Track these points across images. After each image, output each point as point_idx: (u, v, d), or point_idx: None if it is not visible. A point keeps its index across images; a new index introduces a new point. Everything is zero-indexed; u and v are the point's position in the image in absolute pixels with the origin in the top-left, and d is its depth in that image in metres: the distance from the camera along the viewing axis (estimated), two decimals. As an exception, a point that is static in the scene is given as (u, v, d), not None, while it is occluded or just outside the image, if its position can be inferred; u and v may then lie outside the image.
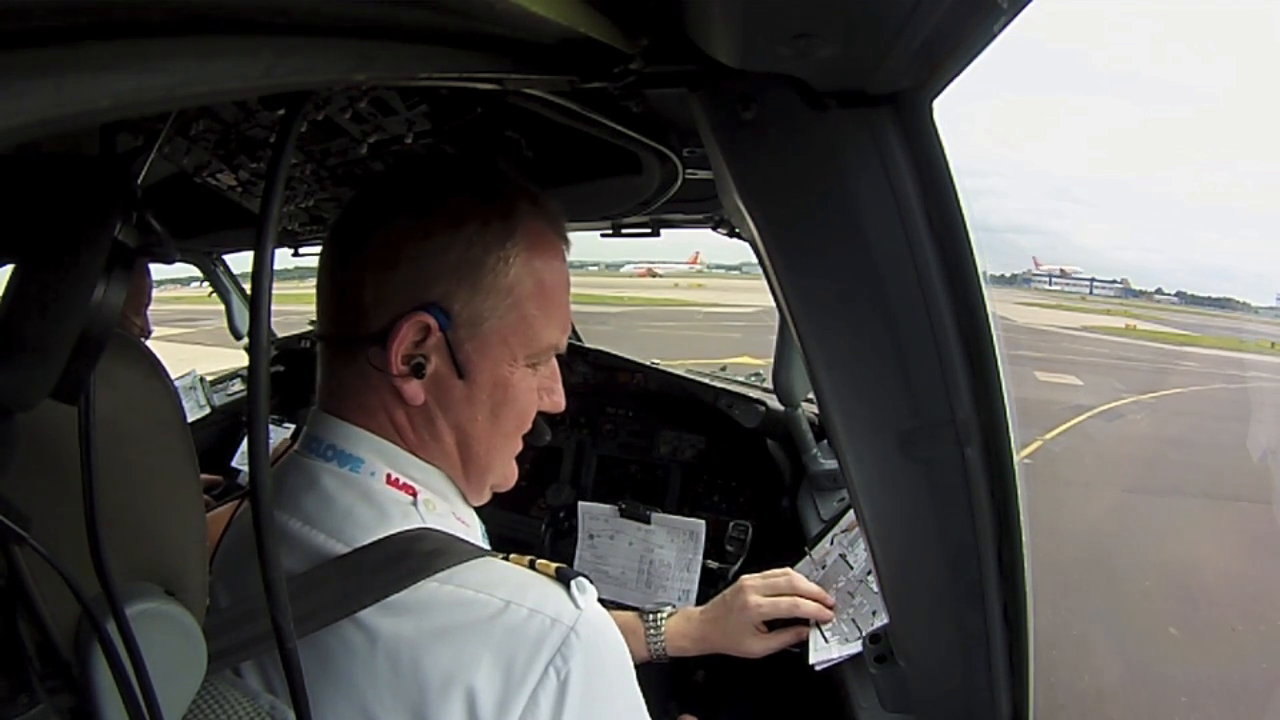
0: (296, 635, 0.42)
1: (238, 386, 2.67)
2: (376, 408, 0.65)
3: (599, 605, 0.61)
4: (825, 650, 1.10)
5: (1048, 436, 8.53)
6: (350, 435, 0.65)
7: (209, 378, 2.65)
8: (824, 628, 1.16)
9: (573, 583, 0.60)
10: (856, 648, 1.04)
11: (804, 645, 1.16)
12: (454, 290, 0.63)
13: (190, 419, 2.56)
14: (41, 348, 0.32)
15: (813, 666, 1.09)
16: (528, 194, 0.68)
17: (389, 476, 0.65)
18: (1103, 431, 9.39)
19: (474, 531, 0.70)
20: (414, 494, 0.65)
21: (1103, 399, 11.44)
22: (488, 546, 0.68)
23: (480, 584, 0.58)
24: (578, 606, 0.58)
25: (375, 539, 0.59)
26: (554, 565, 0.62)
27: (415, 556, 0.58)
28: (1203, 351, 22.67)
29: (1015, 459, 0.63)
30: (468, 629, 0.56)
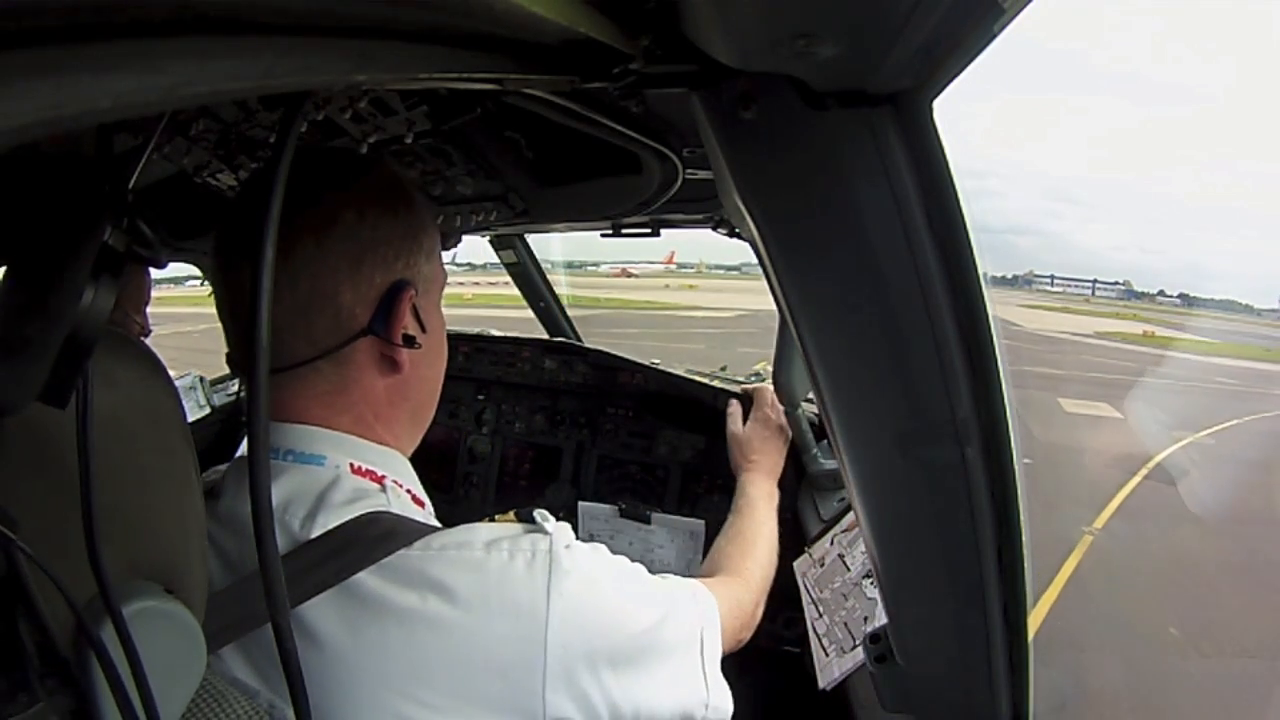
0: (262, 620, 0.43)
1: (237, 386, 2.67)
2: (343, 405, 0.68)
3: (563, 524, 0.66)
4: (829, 668, 1.10)
5: (1098, 525, 5.82)
6: (306, 436, 0.67)
7: (209, 377, 2.65)
8: (821, 635, 1.16)
9: (534, 514, 0.66)
10: (859, 656, 1.04)
11: (804, 646, 1.17)
12: (412, 260, 0.69)
13: (190, 419, 2.55)
14: (28, 351, 0.32)
15: (824, 690, 1.09)
16: (374, 156, 0.74)
17: (352, 465, 0.67)
18: (1172, 507, 6.33)
19: (429, 509, 0.73)
20: (380, 480, 0.68)
21: (1154, 442, 8.53)
22: (439, 525, 0.70)
23: (459, 543, 0.61)
24: (546, 532, 0.63)
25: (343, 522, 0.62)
26: (511, 512, 0.66)
27: (398, 534, 0.61)
28: (1232, 363, 20.33)
29: (1016, 459, 0.63)
30: (468, 586, 0.59)
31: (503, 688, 0.58)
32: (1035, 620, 4.35)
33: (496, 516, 0.71)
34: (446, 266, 0.79)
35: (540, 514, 0.66)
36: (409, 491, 0.71)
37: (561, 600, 0.60)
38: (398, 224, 0.68)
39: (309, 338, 0.65)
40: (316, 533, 0.60)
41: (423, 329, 0.70)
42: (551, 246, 2.89)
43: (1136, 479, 7.14)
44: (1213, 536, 5.82)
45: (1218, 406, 12.17)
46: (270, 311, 0.40)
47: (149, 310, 1.80)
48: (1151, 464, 7.64)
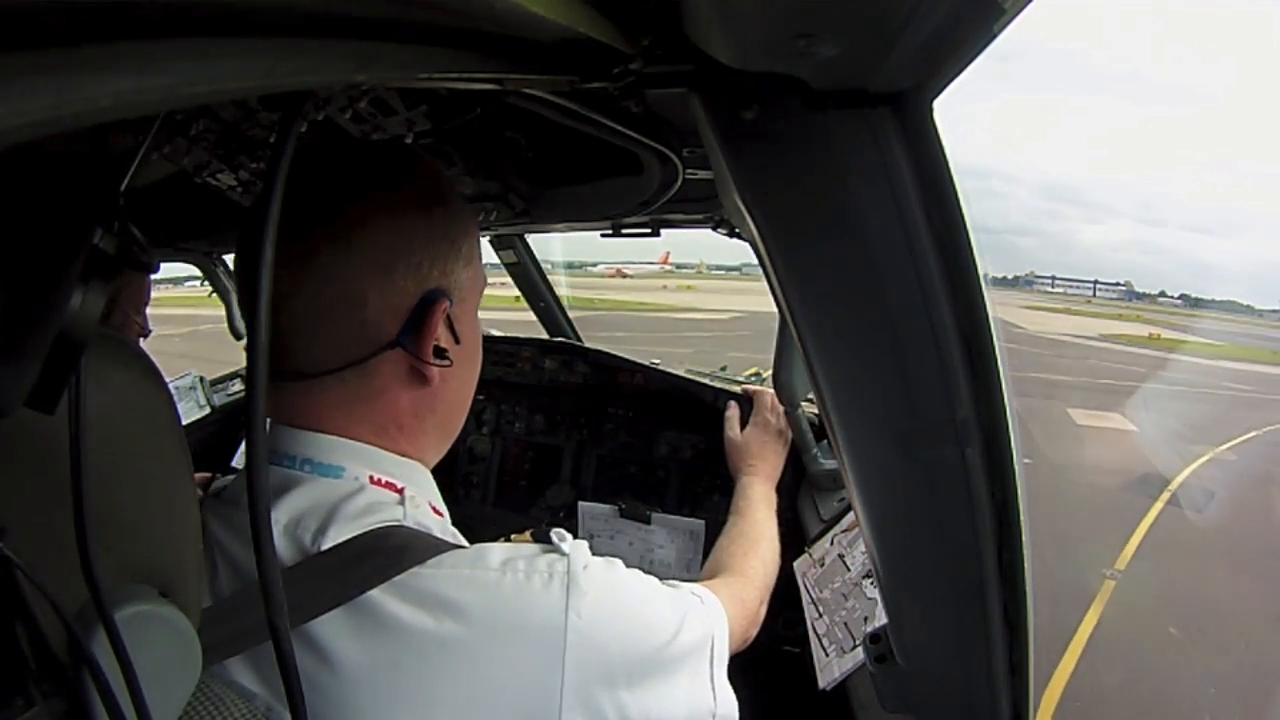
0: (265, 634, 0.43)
1: (238, 386, 2.67)
2: (365, 414, 0.65)
3: (580, 541, 0.65)
4: (829, 668, 1.10)
5: (1119, 566, 5.08)
6: (325, 445, 0.64)
7: (209, 377, 2.65)
8: (821, 635, 1.16)
9: (551, 534, 0.64)
10: (859, 656, 1.04)
11: (804, 646, 1.17)
12: (449, 268, 0.66)
13: (191, 419, 2.55)
14: (15, 355, 0.32)
15: (824, 690, 1.09)
16: (422, 154, 0.72)
17: (372, 477, 0.65)
18: (1200, 539, 5.70)
19: (447, 521, 0.71)
20: (400, 492, 0.66)
21: (1172, 459, 7.75)
22: (458, 533, 0.69)
23: (473, 562, 0.60)
24: (563, 553, 0.62)
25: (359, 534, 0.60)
26: (527, 532, 0.65)
27: (411, 551, 0.59)
28: (1242, 367, 19.37)
29: (1016, 459, 0.63)
30: (483, 607, 0.58)
31: (520, 710, 0.57)
32: (1051, 697, 3.65)
33: (513, 536, 0.70)
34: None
35: (557, 533, 0.64)
36: (428, 503, 0.69)
37: (579, 620, 0.59)
38: (434, 229, 0.65)
39: (333, 345, 0.63)
40: (327, 545, 0.59)
41: (456, 340, 0.67)
42: (552, 247, 2.90)
43: (1158, 505, 6.38)
44: (1250, 576, 5.10)
45: (1233, 415, 11.48)
46: (270, 314, 0.40)
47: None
48: (1174, 486, 6.97)
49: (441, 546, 0.61)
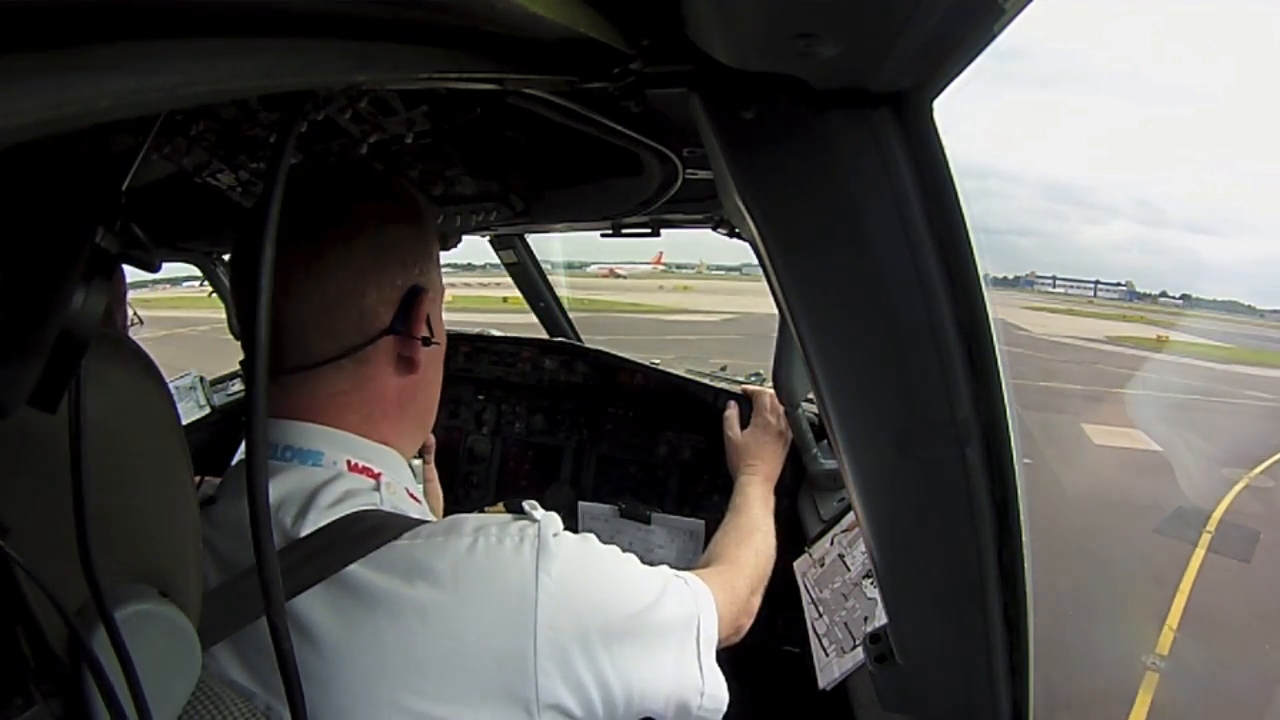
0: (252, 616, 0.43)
1: (238, 386, 2.67)
2: (355, 403, 0.69)
3: (552, 513, 0.67)
4: (829, 668, 1.10)
5: (1162, 649, 4.07)
6: (305, 433, 0.68)
7: (209, 377, 2.65)
8: (821, 635, 1.16)
9: (524, 504, 0.67)
10: (859, 656, 1.04)
11: (804, 646, 1.17)
12: (426, 267, 0.72)
13: (191, 419, 2.54)
14: (18, 354, 0.32)
15: (824, 690, 1.10)
16: (389, 169, 0.80)
17: (350, 463, 0.68)
18: (1252, 598, 4.77)
19: (424, 505, 0.74)
20: (376, 477, 0.69)
21: (1205, 487, 6.81)
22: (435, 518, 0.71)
23: (446, 530, 0.62)
24: (534, 519, 0.65)
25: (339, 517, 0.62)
26: (500, 504, 0.68)
27: (386, 529, 0.62)
28: (1256, 372, 18.02)
29: (1016, 459, 0.63)
30: (456, 570, 0.60)
31: (496, 672, 0.58)
32: None
33: (486, 508, 0.73)
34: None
35: (529, 504, 0.67)
36: (405, 489, 0.71)
37: (550, 580, 0.60)
38: (413, 232, 0.72)
39: (334, 336, 0.67)
40: (306, 530, 0.61)
41: (431, 333, 0.72)
42: (552, 247, 2.90)
43: (1199, 553, 5.39)
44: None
45: (1259, 429, 10.31)
46: (271, 312, 0.40)
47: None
48: (1211, 525, 5.98)
49: (415, 522, 0.63)
